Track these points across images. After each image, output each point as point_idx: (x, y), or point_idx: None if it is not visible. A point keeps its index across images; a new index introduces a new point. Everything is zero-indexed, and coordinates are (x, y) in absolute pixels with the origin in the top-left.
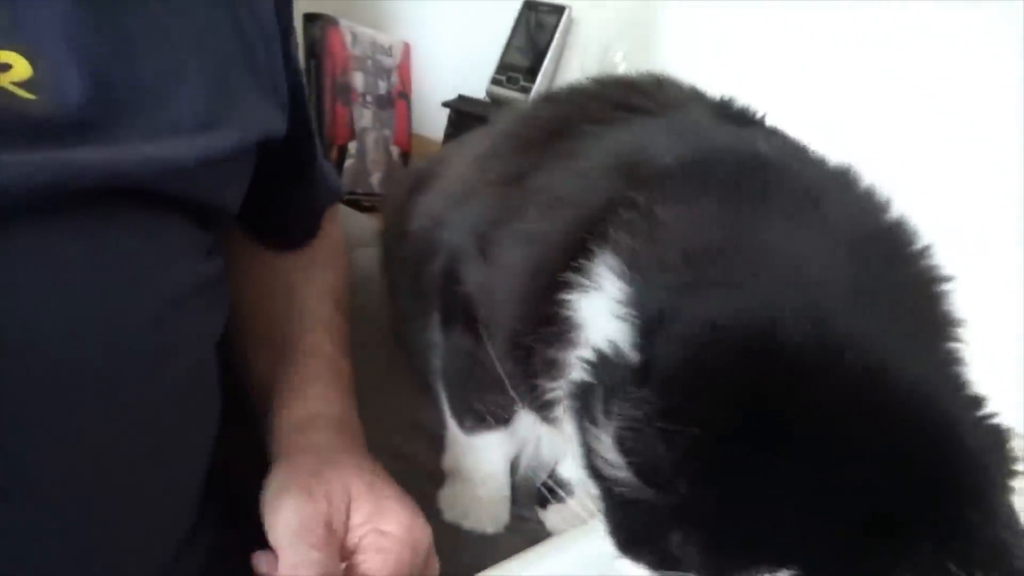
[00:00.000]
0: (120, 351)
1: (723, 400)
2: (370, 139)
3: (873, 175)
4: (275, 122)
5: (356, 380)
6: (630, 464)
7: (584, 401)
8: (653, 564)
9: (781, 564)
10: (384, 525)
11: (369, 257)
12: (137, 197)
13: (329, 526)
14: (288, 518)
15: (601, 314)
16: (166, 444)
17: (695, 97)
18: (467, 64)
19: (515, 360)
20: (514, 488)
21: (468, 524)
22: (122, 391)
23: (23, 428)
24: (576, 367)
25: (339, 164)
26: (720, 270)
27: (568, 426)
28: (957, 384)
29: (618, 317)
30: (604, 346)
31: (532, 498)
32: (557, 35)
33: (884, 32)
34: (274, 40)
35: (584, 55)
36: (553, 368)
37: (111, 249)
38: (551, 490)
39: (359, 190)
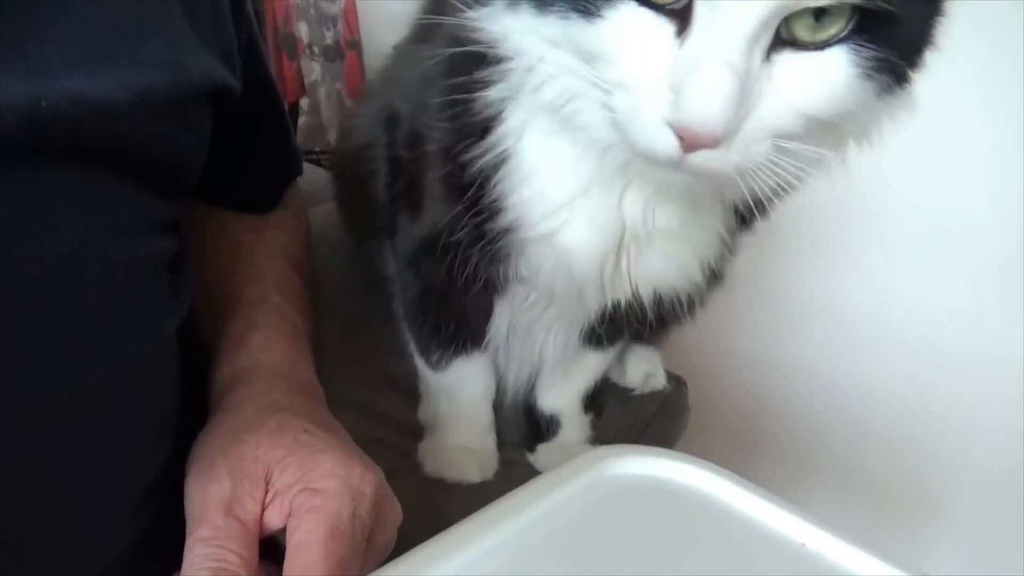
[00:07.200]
0: (45, 333)
1: None
2: (322, 94)
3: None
4: (220, 72)
5: (320, 336)
6: None
7: None
8: None
9: None
10: (316, 482)
11: (328, 213)
12: (67, 151)
13: (229, 511)
14: (187, 508)
15: None
16: (106, 441)
17: None
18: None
19: (456, 197)
20: (499, 433)
21: (452, 475)
22: (49, 379)
23: None
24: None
25: (293, 122)
26: None
27: None
28: None
29: None
30: None
31: (520, 441)
32: None
33: None
34: None
35: None
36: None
37: (35, 212)
38: (538, 428)
39: (316, 148)
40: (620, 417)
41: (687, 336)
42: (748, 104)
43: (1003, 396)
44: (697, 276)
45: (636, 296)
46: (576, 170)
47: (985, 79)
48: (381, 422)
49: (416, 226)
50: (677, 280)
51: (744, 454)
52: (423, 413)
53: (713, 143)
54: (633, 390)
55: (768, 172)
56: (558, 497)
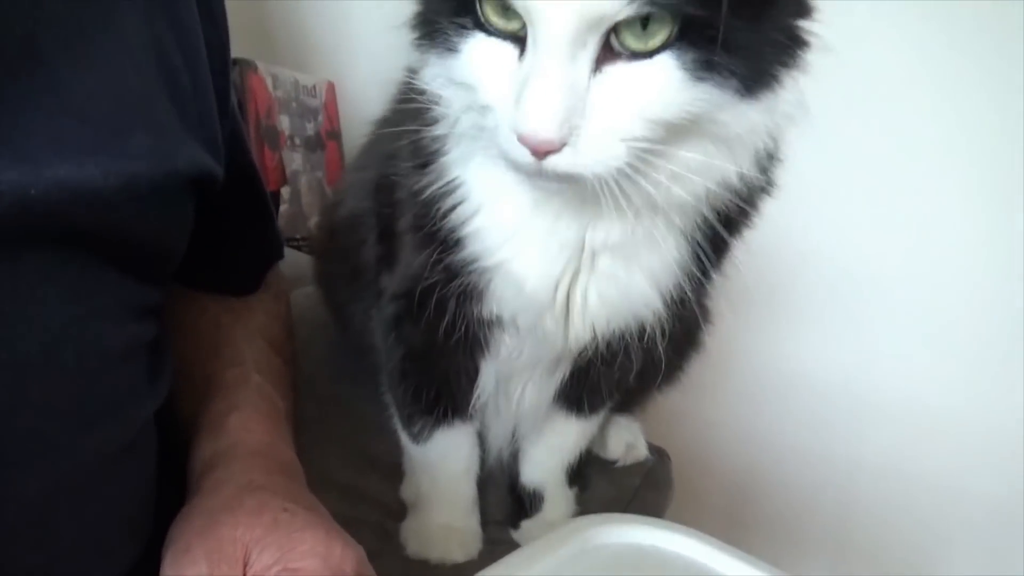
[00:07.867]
0: (21, 416)
1: None
2: (303, 183)
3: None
4: (204, 159)
5: (301, 416)
6: None
7: None
8: None
9: None
10: (295, 562)
11: (308, 296)
12: (52, 237)
13: None
14: None
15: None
16: (81, 526)
17: None
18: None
19: (424, 236)
20: (483, 511)
21: (435, 555)
22: (23, 463)
23: None
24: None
25: (275, 210)
26: None
27: None
28: None
29: None
30: None
31: (504, 518)
32: None
33: (884, 31)
34: (202, 72)
35: None
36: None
37: (17, 296)
38: (522, 504)
39: (297, 235)
40: (604, 491)
41: (668, 409)
42: (580, 111)
43: (987, 460)
44: (656, 303)
45: (594, 329)
46: (516, 199)
47: (978, 133)
48: (362, 502)
49: (394, 279)
50: (635, 306)
51: (730, 527)
52: (406, 491)
53: (550, 147)
54: (615, 462)
55: (647, 175)
56: (544, 567)
